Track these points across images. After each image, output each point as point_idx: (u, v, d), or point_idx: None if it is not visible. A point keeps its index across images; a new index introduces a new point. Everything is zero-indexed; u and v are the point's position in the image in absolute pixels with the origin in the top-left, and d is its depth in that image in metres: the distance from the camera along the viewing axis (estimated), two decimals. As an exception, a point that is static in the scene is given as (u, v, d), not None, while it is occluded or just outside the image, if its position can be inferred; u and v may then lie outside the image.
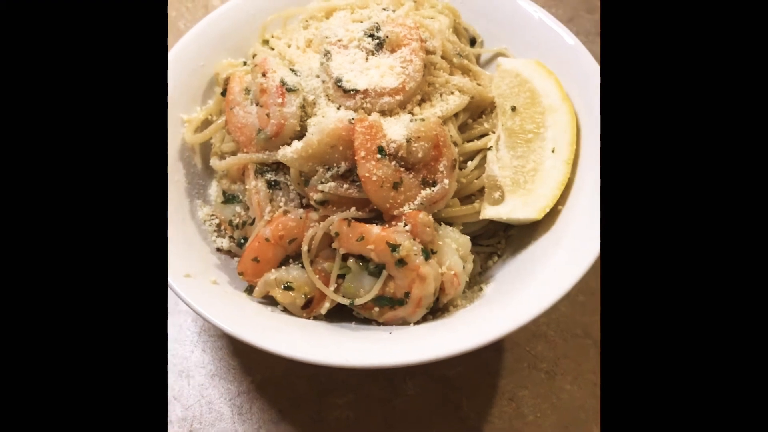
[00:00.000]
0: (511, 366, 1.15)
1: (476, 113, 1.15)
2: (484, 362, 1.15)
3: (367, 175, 0.96)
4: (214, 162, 1.13)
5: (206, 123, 1.19)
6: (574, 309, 1.21)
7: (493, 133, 1.12)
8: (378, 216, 1.01)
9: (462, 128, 1.12)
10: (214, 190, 1.18)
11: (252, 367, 1.16)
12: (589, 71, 1.14)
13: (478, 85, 1.15)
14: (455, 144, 1.07)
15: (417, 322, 1.00)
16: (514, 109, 1.13)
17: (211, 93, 1.24)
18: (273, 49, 1.19)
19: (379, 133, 0.97)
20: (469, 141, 1.11)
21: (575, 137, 1.11)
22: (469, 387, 1.13)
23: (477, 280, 1.10)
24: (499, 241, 1.15)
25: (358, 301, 0.98)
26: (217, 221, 1.14)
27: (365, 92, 1.01)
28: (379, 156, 0.96)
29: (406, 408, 1.11)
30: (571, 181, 1.08)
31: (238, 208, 1.10)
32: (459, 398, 1.12)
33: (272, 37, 1.23)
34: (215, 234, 1.13)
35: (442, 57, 1.12)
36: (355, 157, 0.96)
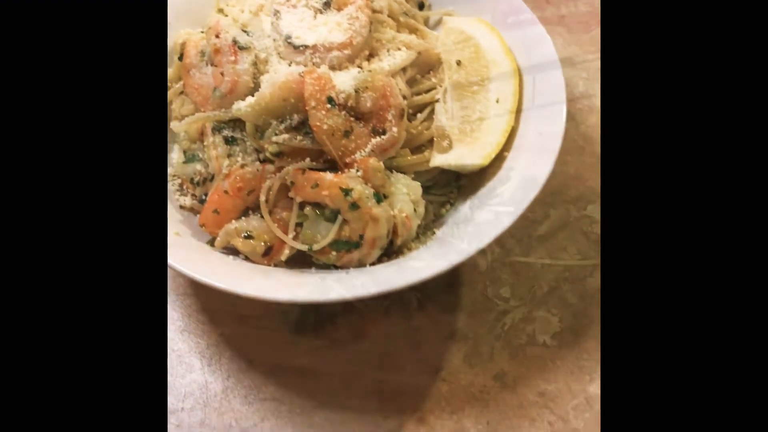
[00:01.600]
0: (468, 308, 1.21)
1: (424, 70, 1.21)
2: (442, 304, 1.21)
3: (318, 124, 1.01)
4: (174, 124, 1.17)
5: (166, 90, 1.23)
6: (527, 252, 1.28)
7: (441, 86, 1.18)
8: (332, 166, 1.06)
9: (411, 83, 1.18)
10: (176, 154, 1.22)
11: (220, 322, 1.20)
12: (531, 27, 1.22)
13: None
14: (404, 97, 1.13)
15: (373, 264, 1.06)
16: (459, 63, 1.19)
17: (170, 63, 1.28)
18: (227, 15, 1.23)
19: (328, 84, 1.02)
20: (417, 95, 1.17)
21: (518, 88, 1.18)
22: (428, 328, 1.18)
23: (430, 226, 1.16)
24: (451, 191, 1.21)
25: (316, 247, 1.03)
26: (179, 181, 1.18)
27: (314, 47, 1.06)
28: (329, 106, 1.01)
29: (369, 351, 1.16)
30: (515, 129, 1.15)
31: (198, 167, 1.14)
32: (418, 339, 1.18)
33: (227, 5, 1.27)
34: (178, 193, 1.17)
35: (389, 16, 1.18)
36: (306, 108, 1.01)
